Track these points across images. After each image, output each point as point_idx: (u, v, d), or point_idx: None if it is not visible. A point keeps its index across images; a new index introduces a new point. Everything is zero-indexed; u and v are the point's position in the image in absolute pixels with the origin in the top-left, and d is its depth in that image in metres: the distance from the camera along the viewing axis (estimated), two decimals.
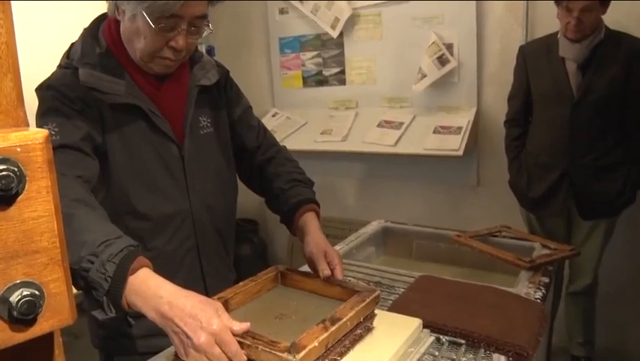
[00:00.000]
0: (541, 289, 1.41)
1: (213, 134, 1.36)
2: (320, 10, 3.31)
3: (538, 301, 1.34)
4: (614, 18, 2.34)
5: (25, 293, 0.40)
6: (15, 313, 0.40)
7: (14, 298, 0.40)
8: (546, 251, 1.66)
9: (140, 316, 1.26)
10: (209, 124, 1.35)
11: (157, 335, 1.16)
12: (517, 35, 2.77)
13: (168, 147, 1.26)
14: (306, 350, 0.93)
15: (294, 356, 0.91)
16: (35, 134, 0.41)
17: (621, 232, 2.56)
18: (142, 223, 1.22)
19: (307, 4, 3.35)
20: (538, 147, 2.44)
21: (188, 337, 0.89)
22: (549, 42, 2.38)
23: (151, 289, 0.93)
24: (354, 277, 1.54)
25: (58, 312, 0.43)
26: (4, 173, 0.38)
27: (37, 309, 0.41)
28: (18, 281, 0.41)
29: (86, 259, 0.91)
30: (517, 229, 1.91)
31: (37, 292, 0.41)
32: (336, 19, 3.25)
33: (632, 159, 2.32)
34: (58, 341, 0.50)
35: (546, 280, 1.48)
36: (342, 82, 3.38)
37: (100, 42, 1.21)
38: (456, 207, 3.09)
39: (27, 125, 0.45)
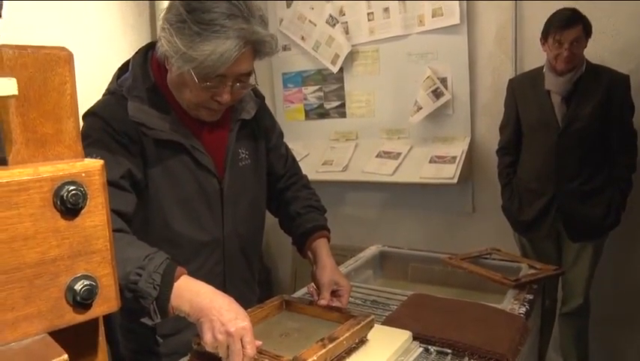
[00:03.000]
0: (525, 306, 1.51)
1: (251, 166, 1.41)
2: (321, 47, 3.46)
3: (521, 315, 1.45)
4: (595, 52, 2.49)
5: (85, 283, 0.53)
6: (78, 298, 0.52)
7: (78, 286, 0.52)
8: (532, 271, 1.77)
9: (168, 335, 1.36)
10: (247, 156, 1.40)
11: (181, 353, 1.27)
12: (507, 69, 2.91)
13: (209, 180, 1.30)
14: None
15: None
16: (95, 163, 0.54)
17: (611, 254, 2.65)
18: (176, 250, 1.23)
19: (309, 41, 3.50)
20: (528, 174, 2.57)
21: (222, 323, 1.01)
22: (535, 75, 2.52)
23: (193, 291, 1.06)
24: (351, 297, 1.64)
25: (107, 300, 0.56)
26: (74, 192, 0.51)
27: (94, 296, 0.53)
28: (79, 274, 0.53)
29: (134, 272, 1.03)
30: (509, 252, 2.02)
31: (93, 283, 0.54)
32: (336, 56, 3.40)
33: (615, 183, 2.44)
34: (101, 329, 0.63)
35: (530, 297, 1.57)
36: (343, 115, 3.51)
37: (149, 77, 1.25)
38: (452, 233, 3.19)
39: (83, 156, 0.59)
